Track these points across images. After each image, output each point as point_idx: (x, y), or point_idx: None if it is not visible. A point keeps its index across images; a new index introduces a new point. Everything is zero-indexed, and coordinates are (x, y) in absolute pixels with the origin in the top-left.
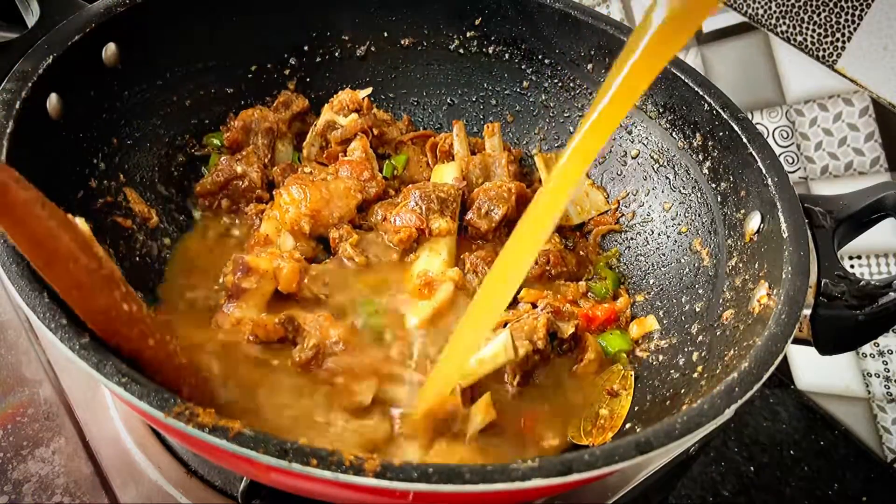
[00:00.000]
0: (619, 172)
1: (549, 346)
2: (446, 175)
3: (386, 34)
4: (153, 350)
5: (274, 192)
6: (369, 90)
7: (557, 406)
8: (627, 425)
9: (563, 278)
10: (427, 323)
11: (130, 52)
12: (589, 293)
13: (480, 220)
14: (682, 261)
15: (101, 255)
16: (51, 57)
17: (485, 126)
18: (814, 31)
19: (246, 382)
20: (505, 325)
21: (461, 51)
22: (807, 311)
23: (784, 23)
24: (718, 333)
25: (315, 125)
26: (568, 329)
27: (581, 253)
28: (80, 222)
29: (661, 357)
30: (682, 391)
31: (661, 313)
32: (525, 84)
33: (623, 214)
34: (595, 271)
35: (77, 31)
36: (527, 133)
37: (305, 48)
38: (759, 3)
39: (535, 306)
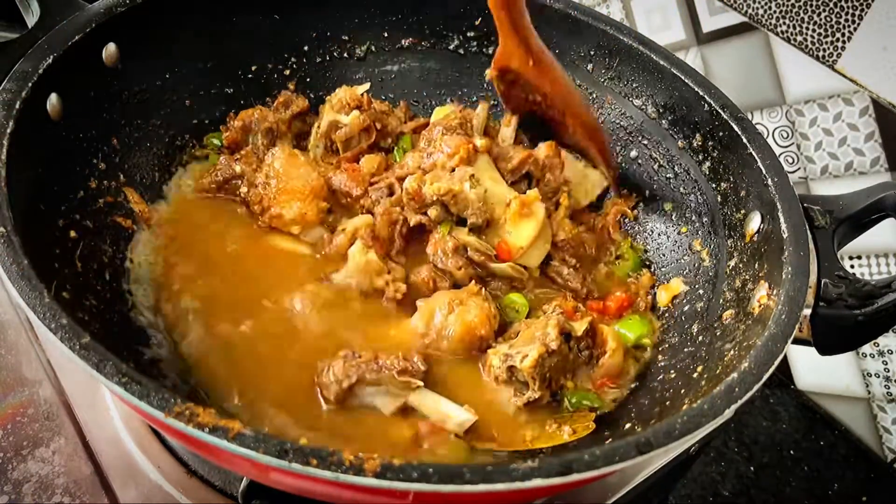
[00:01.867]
0: (618, 172)
1: (564, 346)
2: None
3: (386, 34)
4: None
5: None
6: (367, 85)
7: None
8: (627, 425)
9: (581, 264)
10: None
11: (130, 52)
12: (611, 276)
13: None
14: (683, 261)
15: None
16: (51, 57)
17: (503, 117)
18: (814, 31)
19: None
20: (516, 335)
21: (461, 51)
22: (807, 312)
23: (784, 23)
24: (718, 333)
25: (318, 126)
26: (581, 326)
27: (600, 227)
28: None
29: (660, 357)
30: (682, 391)
31: (660, 313)
32: None
33: (639, 197)
34: (616, 252)
35: (77, 31)
36: (527, 133)
37: (305, 48)
38: (759, 3)
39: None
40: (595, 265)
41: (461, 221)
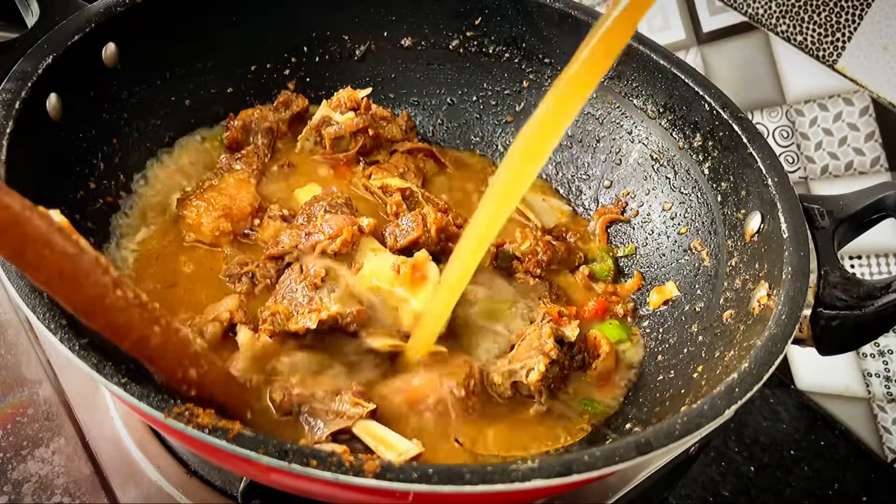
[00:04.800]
0: (618, 172)
1: (561, 354)
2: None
3: (386, 34)
4: (160, 337)
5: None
6: (369, 90)
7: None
8: (627, 426)
9: (556, 265)
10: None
11: (130, 52)
12: (592, 276)
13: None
14: (682, 261)
15: (81, 241)
16: (51, 57)
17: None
18: (814, 30)
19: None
20: (512, 349)
21: (461, 51)
22: (807, 312)
23: (784, 22)
24: (718, 333)
25: (311, 119)
26: (573, 332)
27: (570, 239)
28: (56, 214)
29: (660, 357)
30: (682, 391)
31: (651, 315)
32: (525, 84)
33: (627, 204)
34: (589, 258)
35: (77, 31)
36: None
37: (305, 48)
38: (759, 2)
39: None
40: (569, 269)
41: None
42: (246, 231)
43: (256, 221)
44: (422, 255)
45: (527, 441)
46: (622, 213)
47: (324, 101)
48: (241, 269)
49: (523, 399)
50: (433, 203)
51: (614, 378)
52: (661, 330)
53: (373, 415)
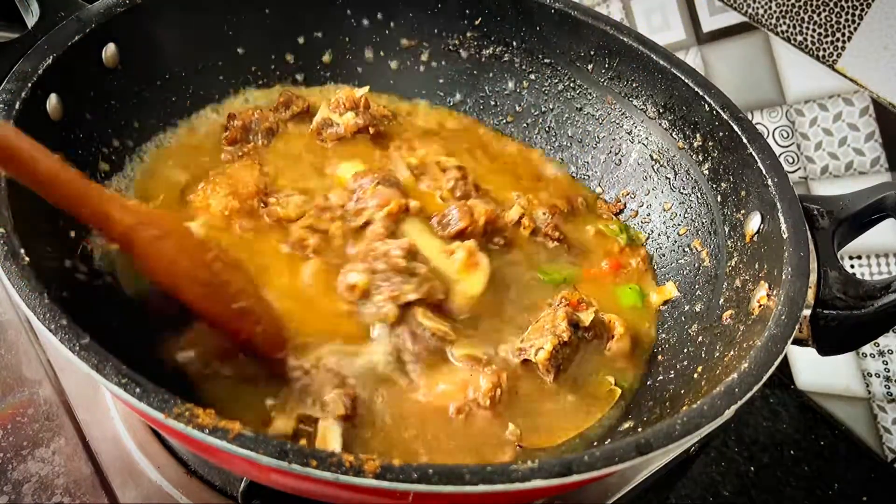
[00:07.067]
0: (618, 172)
1: (574, 336)
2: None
3: (386, 34)
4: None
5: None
6: (366, 89)
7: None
8: (627, 425)
9: (562, 233)
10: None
11: (130, 52)
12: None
13: None
14: (682, 261)
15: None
16: (51, 57)
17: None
18: (814, 31)
19: None
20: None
21: (461, 51)
22: (807, 312)
23: (784, 23)
24: (718, 334)
25: (312, 122)
26: (588, 317)
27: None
28: (194, 225)
29: (660, 357)
30: (682, 391)
31: (659, 313)
32: (525, 84)
33: (625, 205)
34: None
35: (77, 31)
36: (527, 134)
37: (306, 49)
38: (759, 2)
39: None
40: (576, 223)
41: None
42: (261, 203)
43: (272, 200)
44: (472, 243)
45: (564, 424)
46: (618, 214)
47: (324, 102)
48: (311, 232)
49: (546, 384)
50: (481, 191)
51: (634, 354)
52: (660, 330)
53: (345, 418)
